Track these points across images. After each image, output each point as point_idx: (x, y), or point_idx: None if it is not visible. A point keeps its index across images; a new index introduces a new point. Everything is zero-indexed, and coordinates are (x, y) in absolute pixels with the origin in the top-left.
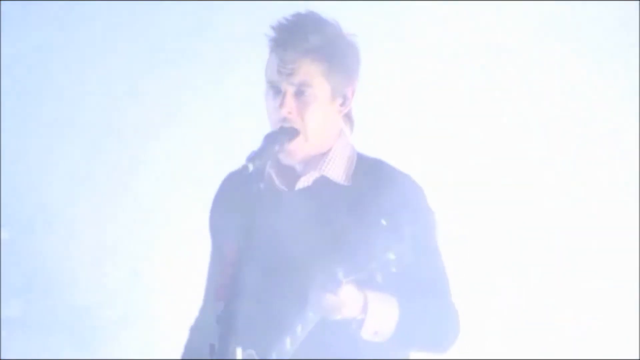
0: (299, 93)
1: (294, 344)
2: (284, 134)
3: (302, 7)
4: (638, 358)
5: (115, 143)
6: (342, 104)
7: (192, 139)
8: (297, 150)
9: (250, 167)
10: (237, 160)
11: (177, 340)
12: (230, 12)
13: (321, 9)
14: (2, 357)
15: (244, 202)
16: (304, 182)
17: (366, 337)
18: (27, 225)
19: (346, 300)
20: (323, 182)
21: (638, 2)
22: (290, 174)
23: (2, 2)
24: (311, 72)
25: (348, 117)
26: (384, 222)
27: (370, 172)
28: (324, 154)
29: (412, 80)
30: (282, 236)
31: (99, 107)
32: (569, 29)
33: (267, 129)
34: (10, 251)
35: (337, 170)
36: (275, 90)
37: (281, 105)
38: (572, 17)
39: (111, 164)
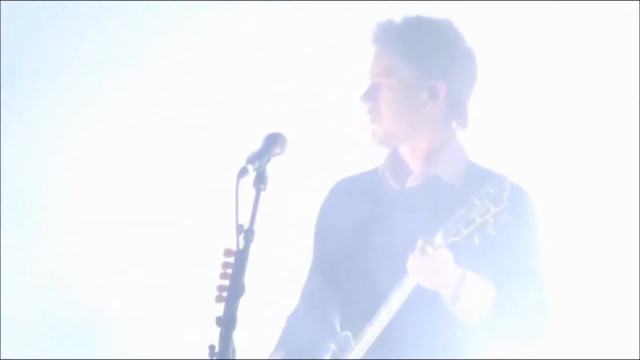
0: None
1: (390, 312)
2: (282, 136)
3: None
4: (638, 358)
5: (117, 143)
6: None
7: (192, 139)
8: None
9: (250, 169)
10: (236, 161)
11: (179, 341)
12: (233, 13)
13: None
14: (2, 358)
15: (360, 204)
16: (415, 179)
17: (459, 315)
18: (28, 226)
19: (441, 265)
20: (435, 180)
21: (638, 1)
22: (403, 171)
23: (2, 2)
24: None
25: (460, 120)
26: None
27: (481, 177)
28: (436, 152)
29: None
30: (400, 232)
31: (99, 107)
32: (568, 29)
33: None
34: (11, 252)
35: (449, 170)
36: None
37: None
38: (571, 18)
39: (113, 164)
